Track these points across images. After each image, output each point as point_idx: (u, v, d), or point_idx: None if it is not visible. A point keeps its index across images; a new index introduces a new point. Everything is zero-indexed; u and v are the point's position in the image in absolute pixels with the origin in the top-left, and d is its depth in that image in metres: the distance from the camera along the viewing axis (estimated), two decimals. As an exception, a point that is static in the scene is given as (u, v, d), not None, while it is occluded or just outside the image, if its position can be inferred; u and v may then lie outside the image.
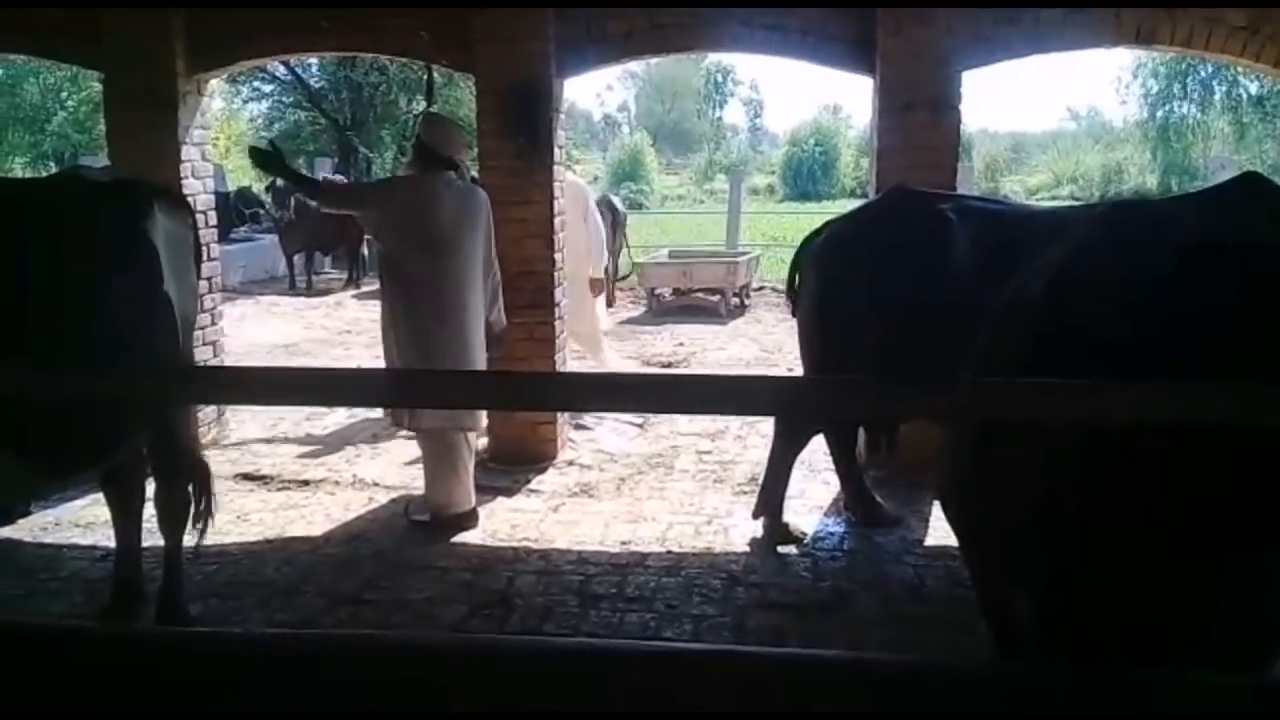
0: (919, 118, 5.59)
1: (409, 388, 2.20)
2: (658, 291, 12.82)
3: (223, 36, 6.02)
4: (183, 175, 5.98)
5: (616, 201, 14.41)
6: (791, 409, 3.52)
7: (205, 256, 6.18)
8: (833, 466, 5.21)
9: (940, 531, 4.82)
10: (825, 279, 4.45)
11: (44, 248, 2.99)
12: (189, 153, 6.08)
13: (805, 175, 33.41)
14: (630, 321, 12.18)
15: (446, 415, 4.70)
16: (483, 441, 6.10)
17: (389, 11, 5.86)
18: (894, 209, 4.36)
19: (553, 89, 5.80)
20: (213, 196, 6.38)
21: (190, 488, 3.73)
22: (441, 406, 4.21)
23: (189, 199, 5.90)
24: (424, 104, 17.09)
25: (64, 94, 25.78)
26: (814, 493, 5.45)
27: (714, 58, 32.07)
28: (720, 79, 35.38)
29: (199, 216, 6.08)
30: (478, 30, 5.75)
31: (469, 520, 4.96)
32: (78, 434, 3.02)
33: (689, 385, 1.75)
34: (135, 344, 3.15)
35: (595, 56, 6.00)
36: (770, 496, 4.82)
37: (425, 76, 6.93)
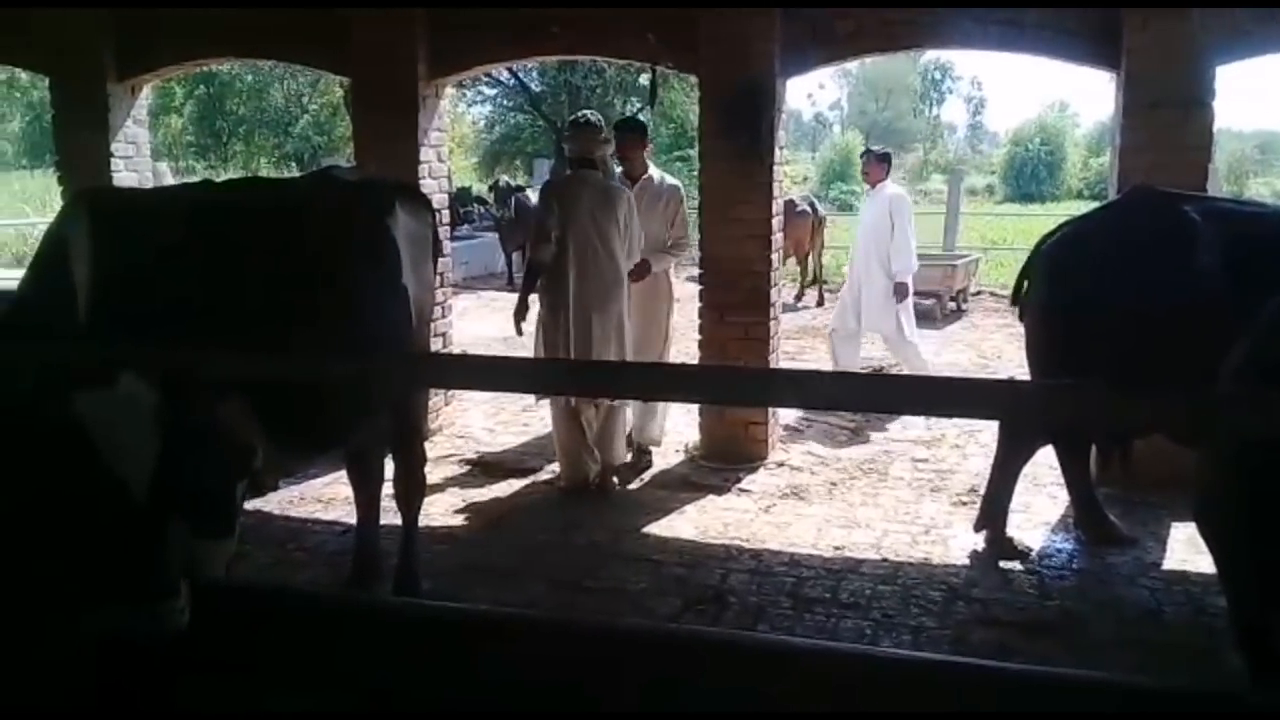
0: (1168, 115, 5.24)
1: (610, 378, 2.24)
2: (869, 294, 12.53)
3: (461, 42, 6.32)
4: (420, 176, 6.31)
5: (815, 202, 14.23)
6: (1018, 414, 3.39)
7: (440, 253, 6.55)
8: (1061, 480, 4.96)
9: (1179, 555, 4.52)
10: (1061, 282, 4.25)
11: (304, 243, 3.22)
12: (426, 154, 6.41)
13: (1028, 176, 31.92)
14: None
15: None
16: (695, 439, 6.16)
17: (616, 14, 5.98)
18: (1137, 209, 4.12)
19: (775, 89, 5.78)
20: (446, 196, 6.70)
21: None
22: (633, 398, 4.90)
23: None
24: (642, 106, 17.40)
25: (305, 98, 27.70)
26: (1040, 507, 5.21)
27: (932, 53, 31.15)
28: (938, 75, 34.27)
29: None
30: (705, 31, 5.80)
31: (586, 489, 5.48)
32: (326, 416, 3.24)
33: (907, 385, 1.70)
34: (378, 333, 3.35)
35: (819, 55, 5.95)
36: (993, 509, 4.64)
37: (649, 79, 6.97)
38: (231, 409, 2.29)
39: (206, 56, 7.42)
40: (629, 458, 5.84)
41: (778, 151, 5.95)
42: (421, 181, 6.32)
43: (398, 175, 6.00)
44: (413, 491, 3.95)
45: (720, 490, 5.56)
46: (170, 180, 12.66)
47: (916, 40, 5.91)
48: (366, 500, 4.00)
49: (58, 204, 9.20)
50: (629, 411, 5.76)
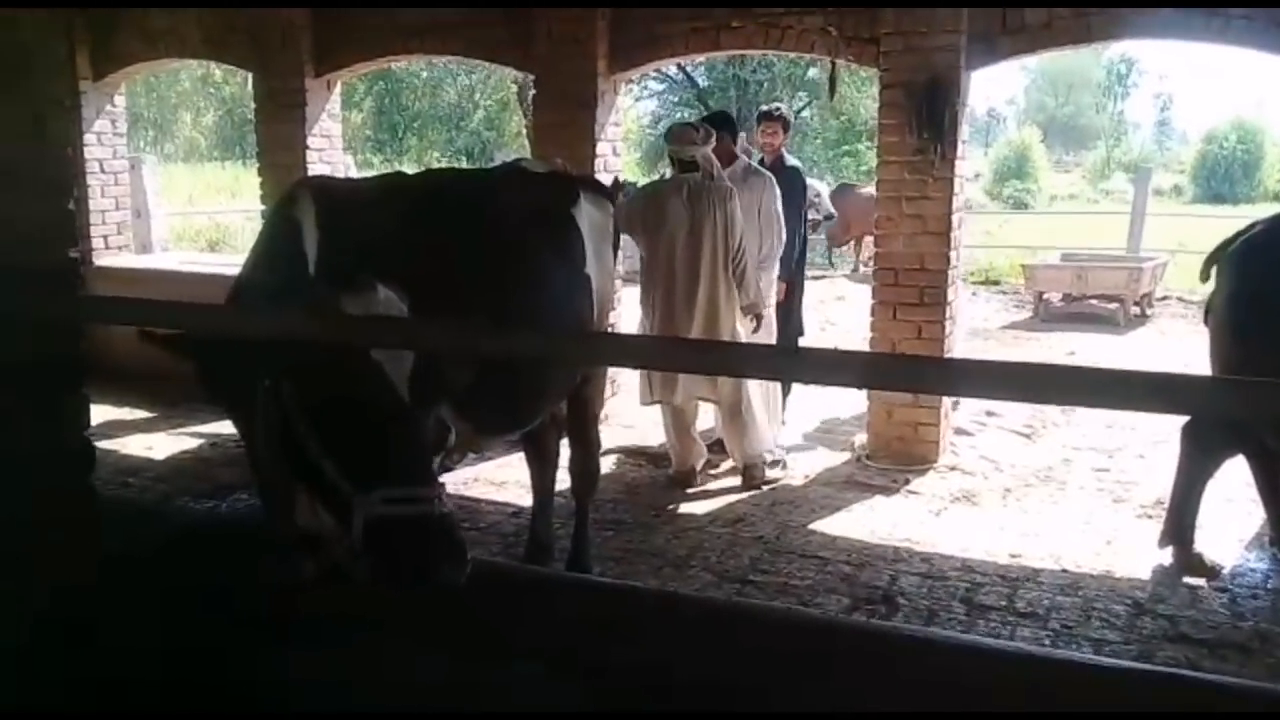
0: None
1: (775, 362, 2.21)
2: (1046, 296, 12.08)
3: (640, 37, 6.42)
4: (596, 169, 6.44)
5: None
6: (1207, 410, 3.22)
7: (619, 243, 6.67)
8: (1256, 494, 4.67)
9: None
10: (1245, 283, 4.03)
11: (501, 230, 3.35)
12: (602, 148, 6.55)
13: (1221, 175, 30.03)
14: (1014, 326, 11.61)
15: (686, 389, 5.40)
16: (862, 438, 6.08)
17: (797, 8, 5.96)
18: None
19: (960, 82, 5.64)
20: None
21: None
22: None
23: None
24: (824, 98, 17.17)
25: (477, 94, 28.49)
26: (1234, 523, 4.93)
27: (1118, 47, 29.62)
28: (1124, 70, 32.56)
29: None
30: (888, 25, 5.71)
31: (691, 478, 5.59)
32: (515, 398, 3.35)
33: (1090, 376, 1.55)
34: (564, 318, 3.45)
35: (1008, 47, 5.74)
36: (1178, 523, 4.41)
37: (827, 73, 6.93)
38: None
39: (396, 53, 7.75)
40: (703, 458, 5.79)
41: (959, 146, 5.81)
42: (597, 175, 6.45)
43: (576, 168, 6.19)
44: (587, 476, 4.06)
45: (889, 491, 5.48)
46: (355, 172, 13.25)
47: (1114, 33, 5.67)
48: (542, 482, 4.12)
49: (251, 193, 9.82)
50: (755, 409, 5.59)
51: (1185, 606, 4.05)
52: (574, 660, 2.05)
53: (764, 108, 7.15)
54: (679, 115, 24.24)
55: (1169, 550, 4.44)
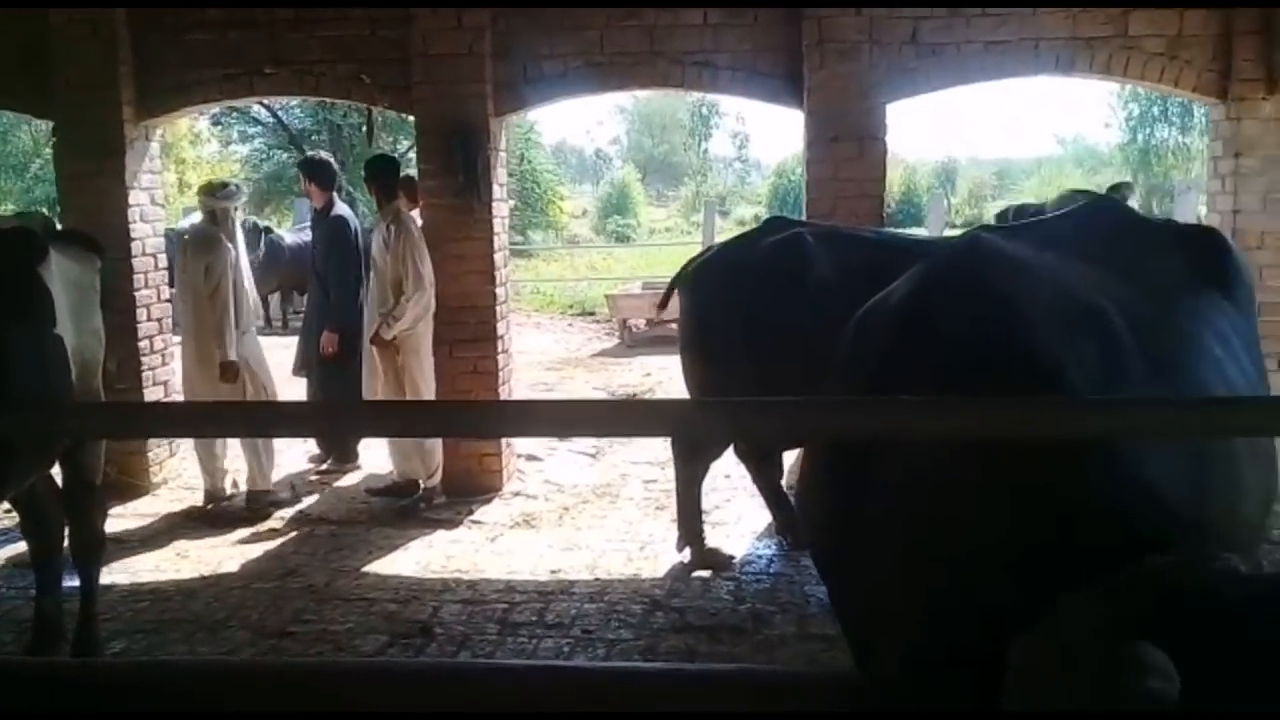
0: (846, 150, 5.72)
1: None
2: (631, 323, 12.90)
3: (169, 81, 6.17)
4: (131, 220, 6.10)
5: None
6: (685, 433, 3.63)
7: (156, 299, 6.33)
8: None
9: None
10: (701, 304, 4.61)
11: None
12: (137, 197, 6.20)
13: (792, 203, 33.58)
14: (603, 353, 12.28)
15: None
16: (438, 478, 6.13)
17: (329, 56, 6.00)
18: (760, 237, 4.57)
19: (489, 128, 5.93)
20: (163, 239, 6.50)
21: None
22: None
23: (135, 241, 6.08)
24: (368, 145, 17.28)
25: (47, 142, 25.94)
26: (751, 517, 5.52)
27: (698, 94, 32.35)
28: (705, 112, 35.67)
29: (148, 259, 6.25)
30: (417, 73, 5.90)
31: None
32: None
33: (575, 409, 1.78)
34: (27, 384, 3.21)
35: (533, 95, 6.13)
36: (688, 524, 4.88)
37: (365, 120, 7.06)
38: None
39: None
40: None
41: (497, 189, 6.10)
42: (133, 225, 6.12)
43: (106, 220, 5.86)
44: (89, 546, 3.81)
45: (451, 524, 5.60)
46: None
47: (622, 82, 6.20)
48: (43, 557, 3.83)
49: None
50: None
51: (696, 598, 4.49)
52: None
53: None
54: (277, 159, 23.48)
55: (688, 550, 4.89)
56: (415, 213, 6.11)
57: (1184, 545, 1.41)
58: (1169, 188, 27.62)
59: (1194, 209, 12.79)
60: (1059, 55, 5.72)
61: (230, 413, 2.49)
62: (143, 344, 6.24)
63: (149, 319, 6.32)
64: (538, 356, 11.75)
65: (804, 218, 5.88)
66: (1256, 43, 5.59)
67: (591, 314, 15.20)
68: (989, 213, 29.84)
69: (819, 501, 2.58)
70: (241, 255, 5.89)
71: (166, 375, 6.42)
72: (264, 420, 2.21)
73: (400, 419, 2.13)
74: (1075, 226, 2.83)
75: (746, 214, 32.66)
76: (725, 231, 18.51)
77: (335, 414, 2.61)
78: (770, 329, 4.09)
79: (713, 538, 5.05)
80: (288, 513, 5.85)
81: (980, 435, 1.45)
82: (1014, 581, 1.46)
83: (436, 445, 5.95)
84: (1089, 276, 2.30)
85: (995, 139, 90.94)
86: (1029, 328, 1.88)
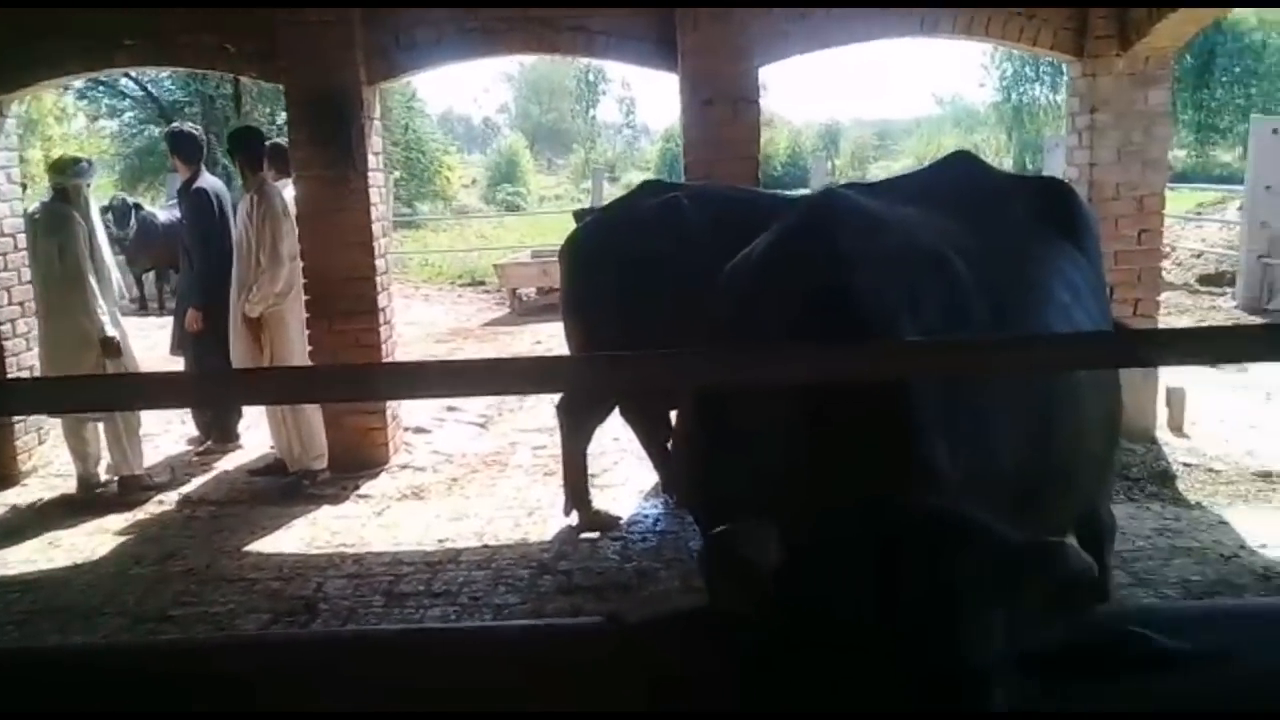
0: (720, 112, 5.78)
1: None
2: (520, 292, 12.86)
3: (22, 58, 5.89)
4: (-15, 199, 5.85)
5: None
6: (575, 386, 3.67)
7: (17, 280, 6.09)
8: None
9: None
10: (582, 268, 4.66)
11: None
12: (-15, 175, 5.94)
13: (682, 169, 33.66)
14: (494, 322, 12.23)
15: None
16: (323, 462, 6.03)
17: (189, 25, 5.81)
18: (636, 200, 4.64)
19: (362, 97, 5.82)
20: (20, 220, 6.22)
21: None
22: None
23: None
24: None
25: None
26: (638, 478, 5.59)
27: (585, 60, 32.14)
28: (592, 78, 35.50)
29: (6, 240, 6.01)
30: (283, 43, 5.75)
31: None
32: None
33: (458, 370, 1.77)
34: None
35: (407, 62, 6.04)
36: (575, 488, 4.93)
37: (233, 89, 6.86)
38: None
39: None
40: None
41: (372, 158, 6.00)
42: (-12, 204, 5.87)
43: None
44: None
45: (337, 499, 5.55)
46: None
47: (496, 48, 6.13)
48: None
49: None
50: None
51: (583, 559, 4.55)
52: None
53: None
54: (148, 132, 22.59)
55: (575, 513, 4.95)
56: (289, 185, 5.97)
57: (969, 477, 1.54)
58: (1040, 144, 28.68)
59: (1062, 164, 13.29)
60: (924, 17, 5.86)
61: (95, 386, 2.42)
62: (4, 327, 6.02)
63: (10, 302, 6.08)
64: (427, 328, 11.64)
65: (684, 178, 5.96)
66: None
67: (481, 284, 15.09)
68: (871, 173, 30.50)
69: (689, 455, 2.66)
70: (99, 232, 5.70)
71: (32, 360, 6.17)
72: (129, 393, 2.15)
73: (275, 384, 2.09)
74: (929, 181, 2.95)
75: (635, 179, 32.68)
76: (614, 197, 18.56)
77: (204, 384, 2.57)
78: (647, 290, 4.14)
79: (600, 499, 5.12)
80: (167, 496, 5.72)
81: (808, 380, 1.52)
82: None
83: (318, 429, 5.88)
84: (939, 228, 2.40)
85: (877, 100, 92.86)
86: (871, 276, 1.97)
